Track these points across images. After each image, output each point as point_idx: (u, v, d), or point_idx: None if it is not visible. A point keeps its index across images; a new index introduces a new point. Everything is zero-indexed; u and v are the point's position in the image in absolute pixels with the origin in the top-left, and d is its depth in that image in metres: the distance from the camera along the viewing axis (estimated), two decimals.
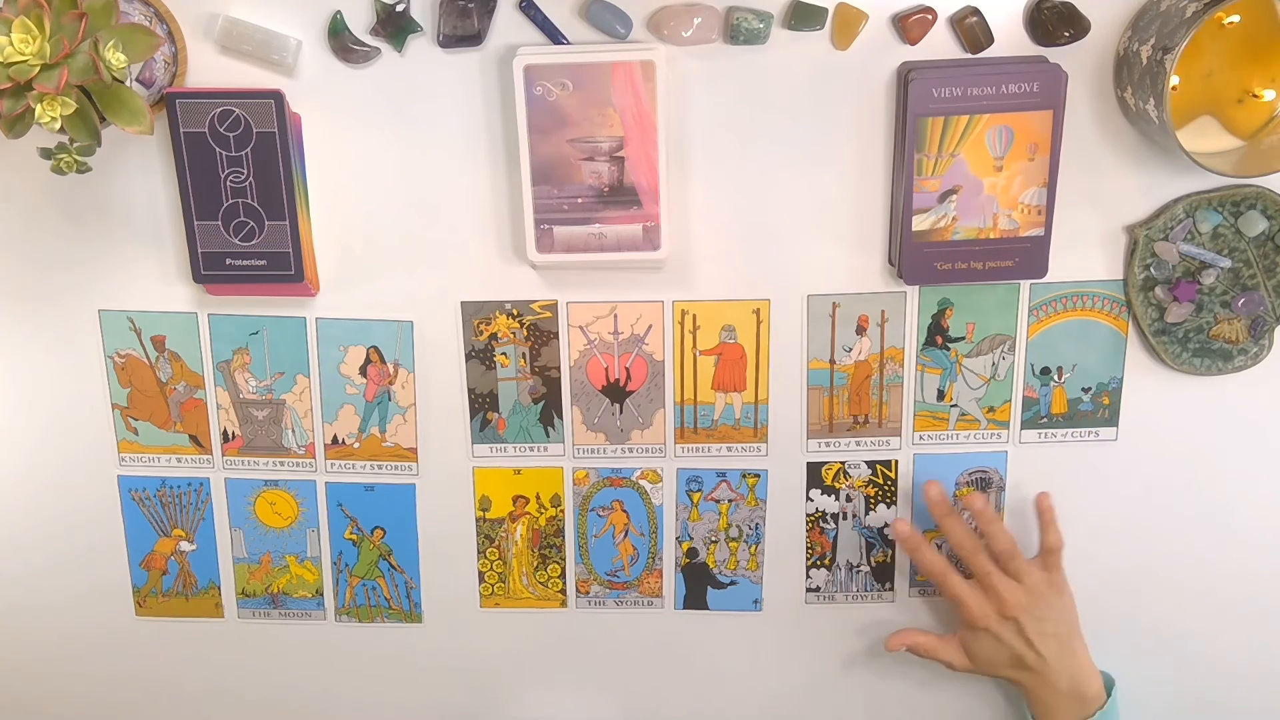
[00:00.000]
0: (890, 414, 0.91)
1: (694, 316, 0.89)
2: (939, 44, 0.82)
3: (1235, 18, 0.79)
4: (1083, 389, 0.90)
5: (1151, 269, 0.86)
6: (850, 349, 0.89)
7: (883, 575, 0.95)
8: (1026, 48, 0.82)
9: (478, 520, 0.94)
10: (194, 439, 0.93)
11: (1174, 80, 0.76)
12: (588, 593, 0.96)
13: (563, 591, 0.96)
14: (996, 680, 0.96)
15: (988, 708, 0.98)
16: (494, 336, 0.90)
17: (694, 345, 0.90)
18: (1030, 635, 0.86)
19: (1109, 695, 0.88)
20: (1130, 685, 0.96)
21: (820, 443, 0.92)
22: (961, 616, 0.89)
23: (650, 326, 0.89)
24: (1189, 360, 0.88)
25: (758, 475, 0.93)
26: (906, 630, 0.92)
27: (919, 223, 0.83)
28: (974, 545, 0.87)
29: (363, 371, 0.91)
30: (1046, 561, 0.88)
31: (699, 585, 0.96)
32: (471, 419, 0.92)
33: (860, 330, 0.89)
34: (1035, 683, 0.88)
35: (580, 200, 0.83)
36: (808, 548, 0.95)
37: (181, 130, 0.81)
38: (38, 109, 0.72)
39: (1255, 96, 0.81)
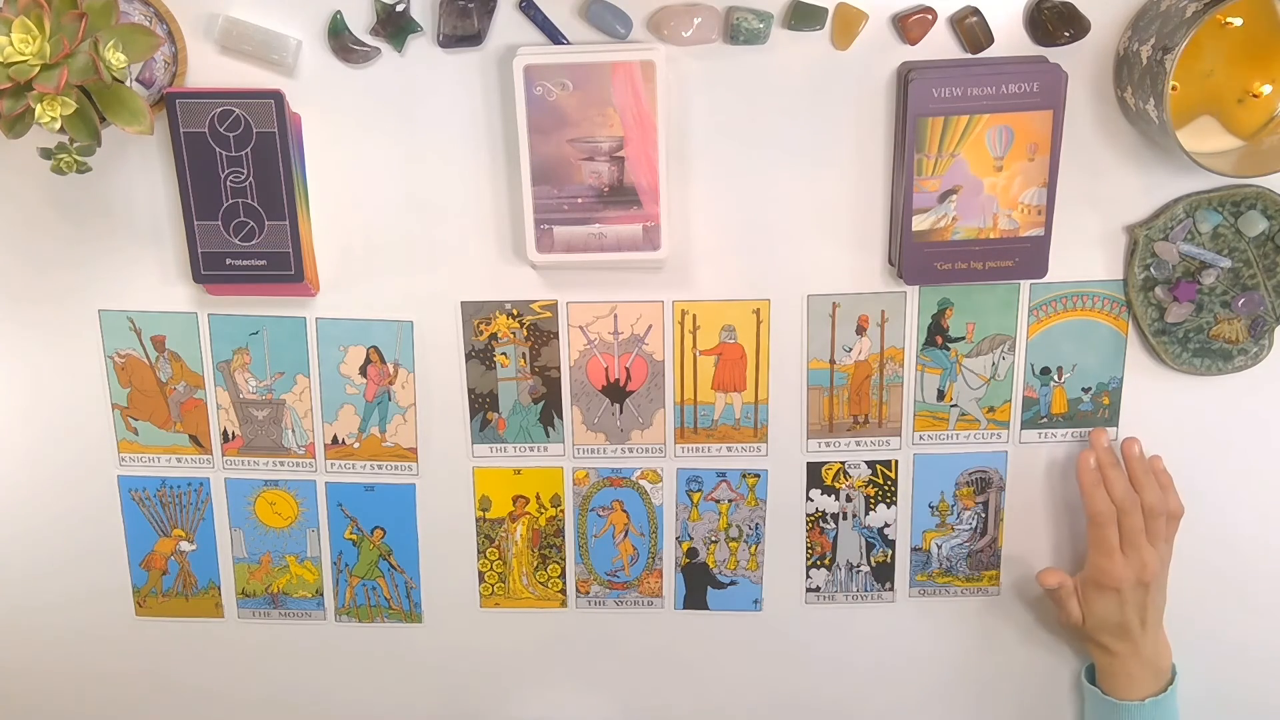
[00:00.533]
0: (890, 414, 0.91)
1: (694, 316, 0.89)
2: (939, 44, 0.82)
3: (1235, 18, 0.79)
4: (1083, 389, 0.90)
5: (1151, 269, 0.86)
6: (850, 349, 0.89)
7: (883, 575, 0.95)
8: (1026, 48, 0.82)
9: (478, 520, 0.94)
10: (194, 439, 0.93)
11: (1171, 83, 0.75)
12: (588, 593, 0.96)
13: (563, 591, 0.96)
14: (998, 675, 0.97)
15: (988, 707, 0.98)
16: (494, 336, 0.90)
17: (694, 345, 0.90)
18: (1148, 603, 0.87)
19: (1174, 673, 0.90)
20: None
21: (820, 443, 0.92)
22: (1093, 575, 0.88)
23: (650, 326, 0.89)
24: (1189, 360, 0.88)
25: (758, 475, 0.93)
26: (1055, 570, 0.91)
27: (919, 223, 0.83)
28: (1133, 502, 0.86)
29: (363, 371, 0.91)
30: (1168, 529, 0.88)
31: (699, 585, 0.96)
32: (471, 419, 0.92)
33: (860, 330, 0.89)
34: (1129, 651, 0.88)
35: (580, 200, 0.83)
36: (808, 548, 0.95)
37: (181, 130, 0.81)
38: (38, 109, 0.72)
39: (1255, 96, 0.81)
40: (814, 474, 0.93)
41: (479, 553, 0.95)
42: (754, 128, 0.84)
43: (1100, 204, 0.85)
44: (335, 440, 0.92)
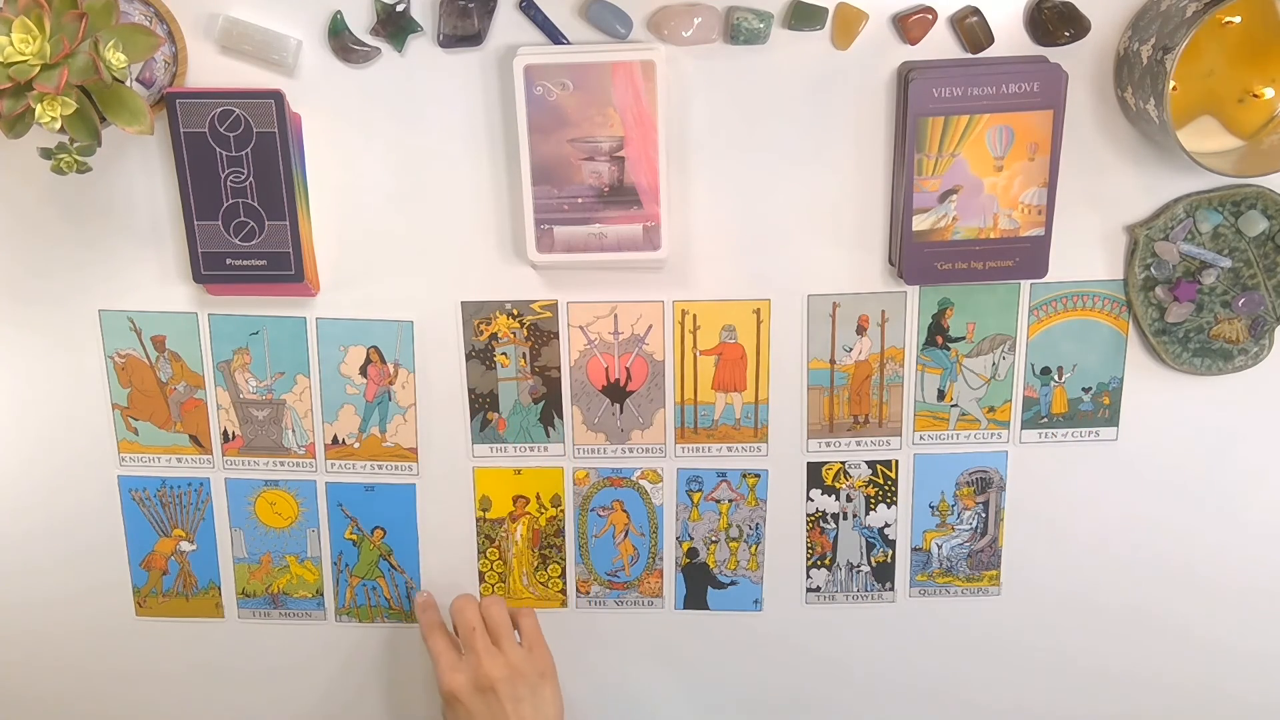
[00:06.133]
0: (890, 414, 0.91)
1: (694, 316, 0.89)
2: (939, 44, 0.82)
3: (1235, 18, 0.79)
4: (1083, 389, 0.90)
5: (1152, 269, 0.86)
6: (850, 349, 0.89)
7: (883, 575, 0.95)
8: (1027, 48, 0.82)
9: (478, 520, 0.94)
10: (194, 439, 0.93)
11: (1171, 83, 0.75)
12: (588, 593, 0.96)
13: (563, 591, 0.96)
14: (997, 675, 0.97)
15: (987, 707, 0.98)
16: (494, 336, 0.90)
17: (694, 345, 0.90)
18: (507, 714, 0.83)
19: None
20: (1132, 682, 0.96)
21: (820, 443, 0.92)
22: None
23: (650, 326, 0.89)
24: (1189, 360, 0.88)
25: (758, 475, 0.93)
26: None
27: (919, 223, 0.83)
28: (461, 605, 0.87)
29: (363, 371, 0.91)
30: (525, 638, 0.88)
31: (699, 585, 0.96)
32: (471, 419, 0.92)
33: (860, 330, 0.89)
34: None
35: (580, 200, 0.83)
36: (808, 548, 0.95)
37: (181, 130, 0.81)
38: (38, 109, 0.72)
39: (1255, 96, 0.81)
40: (814, 474, 0.93)
41: (479, 553, 0.95)
42: (754, 127, 0.84)
43: (1100, 204, 0.85)
44: (335, 440, 0.92)
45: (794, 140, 0.84)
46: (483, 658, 0.85)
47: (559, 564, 0.95)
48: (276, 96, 0.81)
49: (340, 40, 0.82)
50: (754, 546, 0.95)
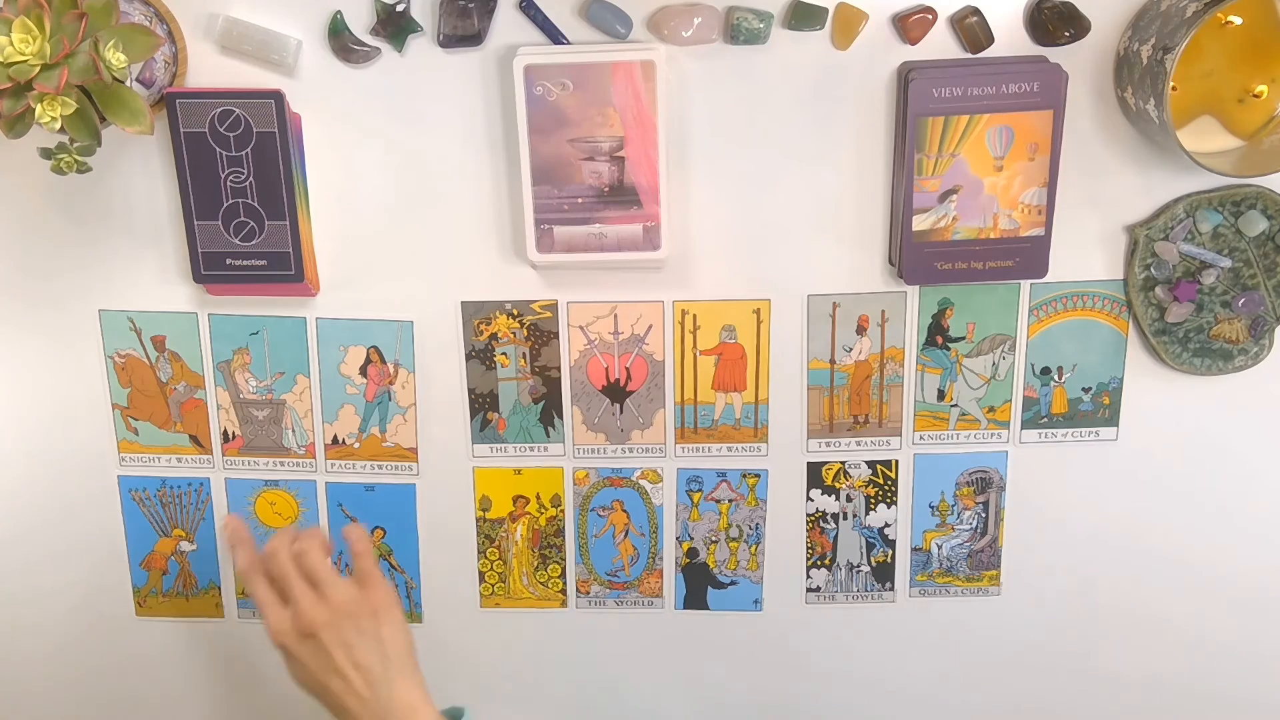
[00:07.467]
0: (890, 414, 0.91)
1: (694, 316, 0.89)
2: (939, 44, 0.82)
3: (1235, 18, 0.79)
4: (1083, 389, 0.90)
5: (1152, 269, 0.86)
6: (850, 349, 0.89)
7: (883, 575, 0.95)
8: (1027, 48, 0.82)
9: (478, 520, 0.94)
10: (194, 439, 0.93)
11: (1171, 83, 0.75)
12: (588, 593, 0.96)
13: (563, 591, 0.96)
14: (997, 675, 0.97)
15: (986, 707, 0.98)
16: (494, 336, 0.90)
17: (694, 345, 0.90)
18: (336, 660, 0.76)
19: None
20: (1132, 682, 0.96)
21: (820, 443, 0.92)
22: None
23: (650, 326, 0.89)
24: (1189, 360, 0.88)
25: (758, 475, 0.93)
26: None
27: (919, 223, 0.83)
28: (272, 550, 0.79)
29: (363, 371, 0.91)
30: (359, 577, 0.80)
31: (699, 585, 0.96)
32: (471, 419, 0.92)
33: (860, 330, 0.89)
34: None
35: (580, 200, 0.83)
36: (808, 548, 0.95)
37: (181, 130, 0.81)
38: (38, 109, 0.72)
39: (1255, 96, 0.81)
40: (814, 474, 0.93)
41: (479, 553, 0.95)
42: (754, 127, 0.84)
43: (1100, 204, 0.85)
44: (335, 440, 0.92)
45: (794, 140, 0.84)
46: (302, 605, 0.77)
47: (559, 564, 0.95)
48: (276, 96, 0.81)
49: (340, 40, 0.82)
50: (754, 546, 0.95)
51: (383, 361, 0.90)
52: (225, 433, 0.93)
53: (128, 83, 0.77)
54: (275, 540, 0.80)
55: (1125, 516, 0.93)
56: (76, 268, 0.89)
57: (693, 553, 0.95)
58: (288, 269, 0.84)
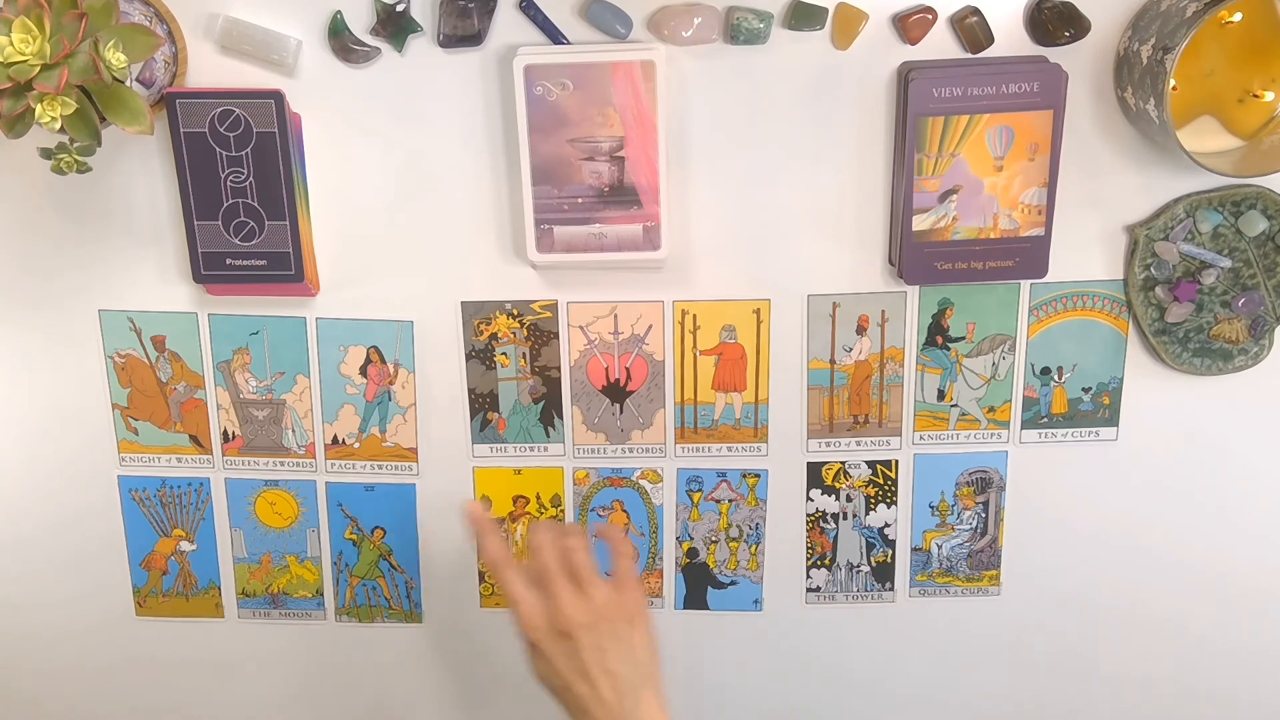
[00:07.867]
0: (890, 414, 0.91)
1: (694, 316, 0.89)
2: (939, 44, 0.82)
3: (1236, 17, 0.79)
4: (1083, 389, 0.90)
5: (1152, 269, 0.86)
6: (850, 349, 0.89)
7: (883, 575, 0.95)
8: (1027, 48, 0.82)
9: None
10: (194, 439, 0.93)
11: (1171, 83, 0.75)
12: None
13: None
14: (996, 675, 0.97)
15: (986, 707, 0.98)
16: (494, 336, 0.90)
17: (694, 345, 0.90)
18: (587, 663, 0.73)
19: None
20: (1132, 682, 0.96)
21: (820, 443, 0.92)
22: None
23: (650, 326, 0.89)
24: (1189, 360, 0.88)
25: (758, 475, 0.93)
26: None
27: (919, 223, 0.83)
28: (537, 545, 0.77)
29: (363, 371, 0.91)
30: (620, 580, 0.78)
31: (699, 585, 0.96)
32: (471, 419, 0.92)
33: (860, 330, 0.89)
34: None
35: (580, 200, 0.83)
36: (808, 548, 0.95)
37: (181, 130, 0.81)
38: (38, 109, 0.72)
39: (1255, 96, 0.81)
40: (814, 474, 0.93)
41: (479, 553, 0.95)
42: (754, 127, 0.84)
43: (1100, 204, 0.85)
44: (335, 440, 0.92)
45: (794, 140, 0.84)
46: (562, 602, 0.75)
47: None
48: (276, 96, 0.81)
49: (340, 40, 0.82)
50: (754, 546, 0.95)
51: (383, 361, 0.90)
52: (225, 433, 0.93)
53: (128, 83, 0.77)
54: (540, 534, 0.78)
55: (1125, 516, 0.93)
56: (76, 267, 0.89)
57: (693, 553, 0.95)
58: (288, 269, 0.84)
